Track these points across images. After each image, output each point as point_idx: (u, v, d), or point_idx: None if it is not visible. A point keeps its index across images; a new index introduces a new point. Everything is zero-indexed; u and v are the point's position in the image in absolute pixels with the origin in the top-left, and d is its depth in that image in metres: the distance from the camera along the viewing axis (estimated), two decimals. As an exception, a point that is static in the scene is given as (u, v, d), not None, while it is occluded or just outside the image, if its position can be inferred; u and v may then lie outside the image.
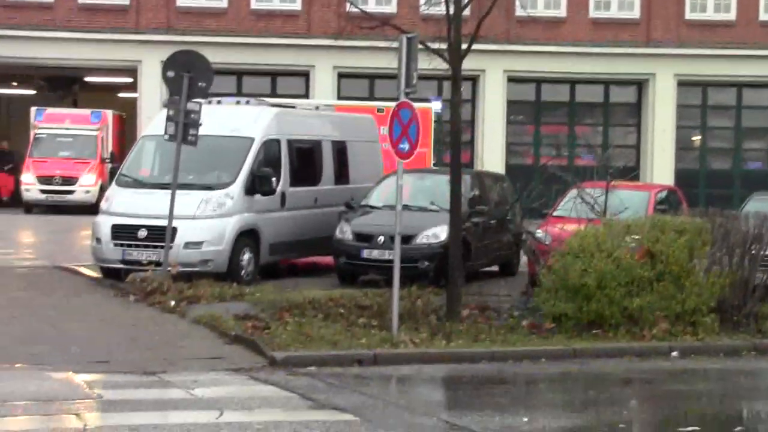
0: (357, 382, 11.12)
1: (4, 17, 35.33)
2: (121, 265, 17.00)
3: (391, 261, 13.80)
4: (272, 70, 36.10)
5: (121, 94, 38.72)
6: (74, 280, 17.93)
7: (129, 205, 17.32)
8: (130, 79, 36.68)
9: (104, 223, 17.27)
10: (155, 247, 16.61)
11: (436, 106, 27.26)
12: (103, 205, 17.99)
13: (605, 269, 13.41)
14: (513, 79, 35.67)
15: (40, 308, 14.67)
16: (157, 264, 16.30)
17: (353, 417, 9.45)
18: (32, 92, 39.20)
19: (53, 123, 32.87)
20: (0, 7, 35.29)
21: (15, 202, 33.64)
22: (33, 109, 33.84)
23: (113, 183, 18.29)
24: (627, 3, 35.63)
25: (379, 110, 26.27)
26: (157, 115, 19.41)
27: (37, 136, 32.70)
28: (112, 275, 17.21)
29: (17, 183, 33.56)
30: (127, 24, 35.59)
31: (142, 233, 16.83)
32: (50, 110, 33.56)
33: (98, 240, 17.30)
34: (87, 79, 38.97)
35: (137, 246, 16.84)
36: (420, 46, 13.74)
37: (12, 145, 36.35)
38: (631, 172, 26.54)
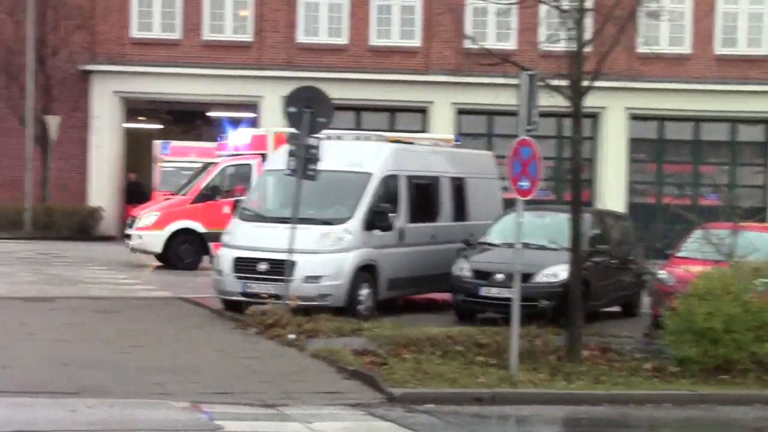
0: (476, 421, 11.03)
1: (133, 54, 36.38)
2: (242, 298, 17.22)
3: (509, 299, 13.69)
4: (391, 106, 36.33)
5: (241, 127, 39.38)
6: (196, 311, 18.24)
7: (250, 238, 17.55)
8: (251, 114, 37.30)
9: (226, 256, 17.53)
10: (275, 280, 16.80)
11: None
12: (225, 238, 18.26)
13: (733, 313, 13.08)
14: (635, 117, 35.26)
15: (163, 338, 14.93)
16: (277, 297, 16.47)
17: (472, 456, 9.35)
18: (158, 126, 40.21)
19: (179, 156, 33.14)
20: (129, 44, 36.36)
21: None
22: (158, 142, 34.46)
23: (235, 216, 18.57)
24: (755, 40, 34.97)
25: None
26: (278, 150, 19.69)
27: (163, 169, 33.11)
28: (233, 307, 17.45)
29: None
30: (250, 60, 36.29)
31: (263, 266, 17.04)
32: (175, 143, 34.00)
33: (220, 272, 17.58)
34: (210, 113, 39.75)
35: (258, 279, 17.05)
36: (540, 83, 13.66)
37: (138, 178, 37.28)
38: (759, 213, 25.94)
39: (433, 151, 20.70)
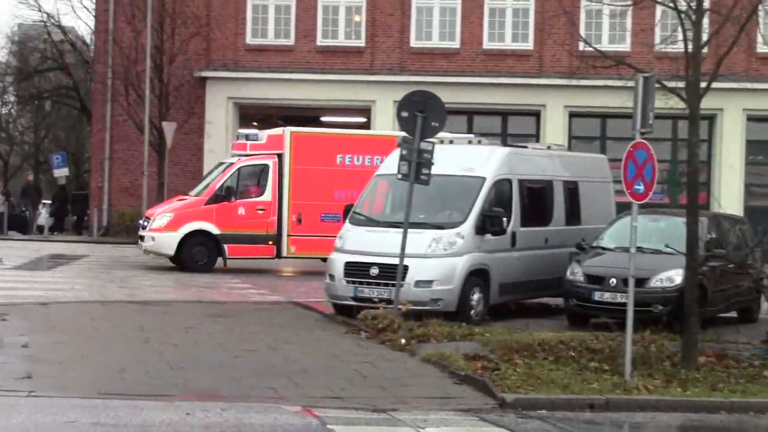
0: (589, 428, 10.87)
1: (248, 60, 36.90)
2: (353, 302, 17.28)
3: (623, 304, 13.48)
4: (503, 109, 36.14)
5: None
6: (307, 315, 18.36)
7: (361, 243, 17.59)
8: (363, 119, 37.46)
9: (338, 261, 17.61)
10: (386, 284, 16.80)
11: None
12: (337, 242, 18.33)
13: None
14: (753, 118, 34.43)
15: (275, 342, 15.04)
16: (388, 302, 16.47)
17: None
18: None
19: None
20: (244, 51, 36.88)
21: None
22: None
23: (347, 221, 18.65)
24: None
25: None
26: (390, 154, 19.70)
27: None
28: (344, 312, 17.53)
29: None
30: (362, 65, 36.47)
31: (374, 271, 17.06)
32: None
33: (332, 277, 17.66)
34: (323, 118, 40.03)
35: (369, 283, 17.08)
36: (656, 85, 13.41)
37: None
38: None
39: (546, 155, 20.49)
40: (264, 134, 26.23)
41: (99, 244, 34.50)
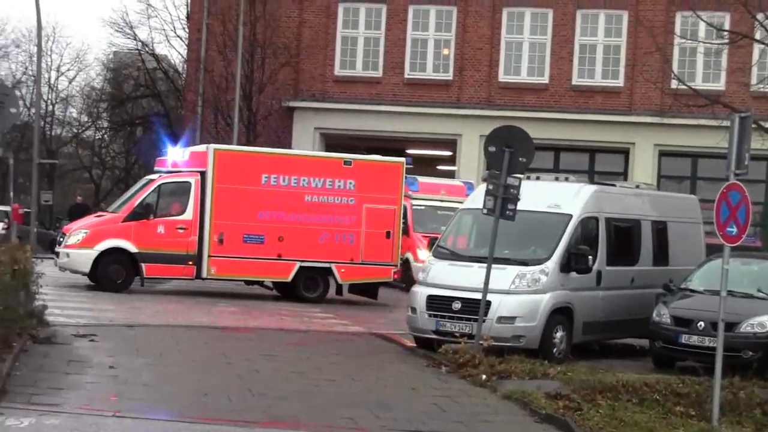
0: (673, 474, 10.60)
1: (336, 91, 37.18)
2: (435, 336, 17.19)
3: (711, 348, 13.21)
4: (591, 146, 35.89)
5: (440, 167, 39.55)
6: (388, 347, 18.32)
7: (445, 276, 17.51)
8: (449, 152, 37.45)
9: (420, 294, 17.55)
10: (469, 319, 16.70)
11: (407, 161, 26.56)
12: (420, 275, 18.27)
13: None
14: None
15: (355, 373, 15.02)
16: (470, 336, 16.36)
17: None
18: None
19: (429, 194, 30.96)
20: (332, 82, 37.17)
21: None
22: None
23: (430, 254, 18.56)
24: None
25: (346, 163, 25.61)
26: (476, 189, 19.67)
27: (414, 208, 30.40)
28: (426, 345, 17.45)
29: None
30: (450, 98, 36.52)
31: (457, 305, 16.97)
32: (424, 180, 31.90)
33: (413, 310, 17.60)
34: (408, 150, 40.07)
35: (451, 318, 16.99)
36: (753, 125, 13.17)
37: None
38: None
39: (635, 194, 20.24)
40: (187, 151, 25.55)
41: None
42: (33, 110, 49.64)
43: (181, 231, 24.23)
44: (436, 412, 12.64)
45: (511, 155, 16.42)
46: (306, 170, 24.98)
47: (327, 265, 25.09)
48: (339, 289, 25.80)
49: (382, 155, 27.31)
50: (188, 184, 24.41)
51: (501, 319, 16.66)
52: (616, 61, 35.63)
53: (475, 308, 16.43)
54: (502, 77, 36.31)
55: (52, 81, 62.51)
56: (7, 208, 39.48)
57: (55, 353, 14.42)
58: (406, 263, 27.40)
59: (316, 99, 37.27)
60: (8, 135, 42.71)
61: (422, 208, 30.27)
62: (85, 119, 65.36)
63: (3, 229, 27.65)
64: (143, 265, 23.89)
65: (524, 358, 15.77)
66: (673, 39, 31.95)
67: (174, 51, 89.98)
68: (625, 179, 31.71)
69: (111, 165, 67.58)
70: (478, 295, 16.37)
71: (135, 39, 57.17)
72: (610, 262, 18.31)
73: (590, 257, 17.59)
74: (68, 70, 63.99)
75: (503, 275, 16.77)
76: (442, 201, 29.36)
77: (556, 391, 13.68)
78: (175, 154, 25.33)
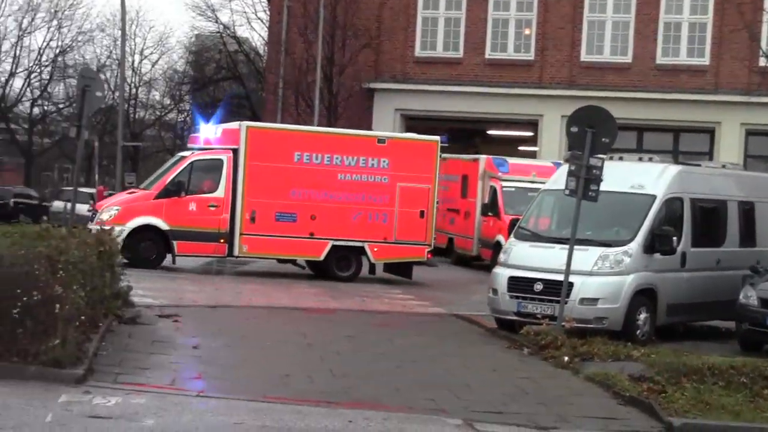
0: (760, 459, 10.41)
1: (416, 72, 37.12)
2: (516, 318, 17.10)
3: (800, 331, 12.90)
4: (675, 126, 35.37)
5: (520, 147, 39.29)
6: (469, 329, 18.28)
7: (526, 258, 17.39)
8: (530, 133, 37.17)
9: (501, 275, 17.46)
10: (550, 301, 16.57)
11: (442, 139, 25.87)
12: (501, 257, 18.18)
13: None
14: None
15: (436, 354, 15.01)
16: (552, 318, 16.24)
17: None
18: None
19: (519, 175, 30.49)
20: (413, 63, 37.12)
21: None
22: (484, 158, 31.92)
23: (511, 236, 18.46)
24: None
25: (380, 141, 25.13)
26: (558, 170, 19.51)
27: (504, 189, 30.17)
28: (507, 327, 17.37)
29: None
30: (531, 79, 36.25)
31: (538, 287, 16.85)
32: (514, 161, 31.67)
33: (494, 291, 17.52)
34: (489, 131, 39.89)
35: (533, 299, 16.88)
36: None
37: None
38: None
39: (721, 174, 19.88)
40: (220, 128, 25.31)
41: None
42: (117, 94, 50.37)
43: (212, 209, 24.08)
44: (518, 393, 12.57)
45: (593, 135, 16.21)
46: (339, 148, 24.79)
47: (360, 244, 24.94)
48: (372, 268, 25.69)
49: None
50: (220, 161, 24.24)
51: (583, 301, 16.51)
52: (701, 39, 35.01)
53: (557, 290, 16.29)
54: (584, 57, 35.92)
55: (135, 64, 63.36)
56: (93, 190, 40.25)
57: (140, 333, 14.63)
58: (497, 246, 27.12)
59: (397, 80, 37.24)
60: (93, 118, 43.34)
61: (512, 189, 29.82)
62: (168, 102, 66.18)
63: (89, 210, 28.05)
64: (175, 242, 23.79)
65: (607, 339, 15.60)
66: (761, 16, 31.27)
67: (255, 33, 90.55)
68: (711, 159, 31.19)
69: (193, 147, 68.34)
70: (560, 277, 16.23)
71: (216, 22, 57.71)
72: (695, 244, 18.02)
73: (674, 238, 17.33)
74: (151, 53, 64.78)
75: (585, 256, 16.61)
76: (532, 182, 28.57)
77: (640, 374, 13.52)
78: (208, 131, 25.19)
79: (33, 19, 59.69)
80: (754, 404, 12.34)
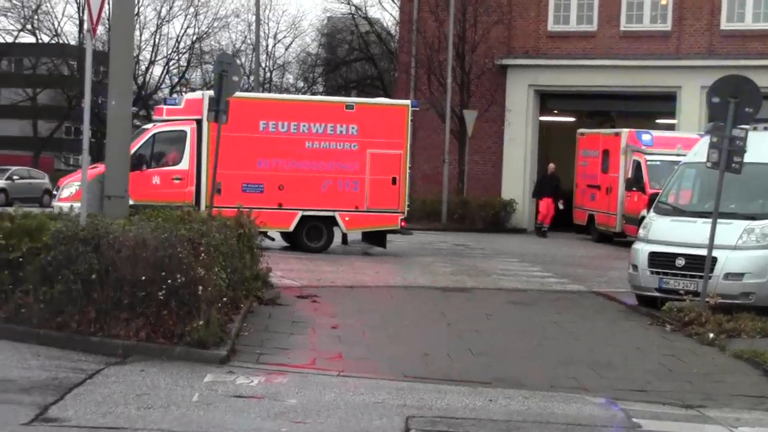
0: None
1: (550, 47, 36.69)
2: (658, 294, 16.77)
3: None
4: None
5: (658, 120, 38.47)
6: (610, 305, 18.01)
7: (667, 233, 17.02)
8: (668, 105, 36.36)
9: (641, 251, 17.13)
10: (693, 276, 16.19)
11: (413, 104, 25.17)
12: (641, 232, 17.84)
13: None
14: None
15: (576, 332, 14.82)
16: (695, 294, 15.87)
17: None
18: (571, 119, 40.13)
19: (664, 148, 29.51)
20: (545, 38, 36.70)
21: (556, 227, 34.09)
22: (626, 132, 31.23)
23: (651, 210, 18.08)
24: None
25: (348, 107, 24.32)
26: (698, 142, 19.04)
27: (649, 163, 29.55)
28: (648, 303, 17.05)
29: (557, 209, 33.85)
30: (668, 50, 35.45)
31: (680, 262, 16.48)
32: (658, 134, 30.91)
33: (635, 267, 17.20)
34: (625, 105, 39.12)
35: (675, 275, 16.52)
36: None
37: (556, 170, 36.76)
38: None
39: None
40: (182, 99, 24.45)
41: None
42: (252, 78, 51.11)
43: (177, 182, 23.59)
44: (662, 371, 12.32)
45: (736, 106, 15.74)
46: (306, 116, 24.24)
47: (330, 213, 24.48)
48: (344, 238, 25.21)
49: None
50: (184, 132, 23.69)
51: (728, 276, 16.07)
52: None
53: (700, 265, 15.90)
54: (725, 25, 34.92)
55: (269, 49, 64.21)
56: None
57: (279, 314, 14.81)
58: (642, 221, 26.44)
59: (530, 56, 36.87)
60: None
61: (657, 163, 28.97)
62: (301, 85, 66.92)
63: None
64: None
65: (755, 315, 15.17)
66: None
67: (386, 14, 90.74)
68: None
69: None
70: (702, 251, 15.83)
71: (348, 3, 58.08)
72: None
73: (828, 211, 16.69)
74: (284, 37, 65.89)
75: (730, 230, 16.16)
76: (677, 155, 27.08)
77: (790, 351, 13.11)
78: (171, 103, 24.64)
79: (171, 8, 61.06)
80: None
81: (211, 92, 24.56)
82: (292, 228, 24.48)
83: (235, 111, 22.18)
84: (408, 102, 25.69)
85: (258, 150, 23.98)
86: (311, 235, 24.69)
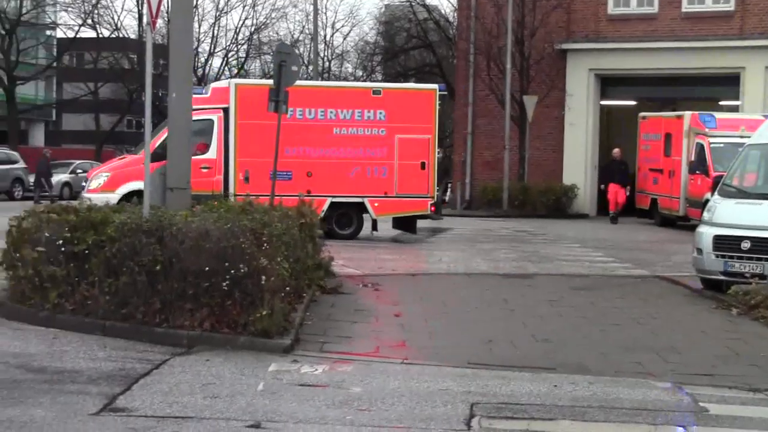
0: None
1: (610, 30, 36.38)
2: (723, 277, 16.58)
3: None
4: None
5: (721, 102, 37.96)
6: (674, 290, 17.84)
7: (732, 215, 16.81)
8: (730, 89, 35.87)
9: (706, 234, 16.94)
10: (759, 259, 15.99)
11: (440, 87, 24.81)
12: (705, 215, 17.65)
13: None
14: None
15: (640, 317, 14.70)
16: (761, 277, 15.66)
17: None
18: (632, 103, 39.70)
19: (728, 130, 29.07)
20: (605, 21, 36.40)
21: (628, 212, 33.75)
22: (689, 114, 30.83)
23: (715, 193, 17.89)
24: None
25: (375, 92, 23.99)
26: (763, 124, 18.78)
27: (713, 146, 29.19)
28: (713, 287, 16.87)
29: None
30: (731, 31, 34.97)
31: (746, 245, 16.27)
32: (722, 116, 30.49)
33: (699, 251, 17.02)
34: (688, 87, 38.63)
35: (740, 258, 16.31)
36: None
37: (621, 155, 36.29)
38: None
39: None
40: (209, 87, 24.39)
41: (462, 217, 35.24)
42: (311, 68, 51.27)
43: (205, 170, 23.32)
44: (728, 355, 12.19)
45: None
46: (333, 102, 24.18)
47: (359, 199, 24.39)
48: (374, 224, 25.10)
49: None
50: (211, 121, 23.70)
51: (796, 258, 15.86)
52: None
53: (766, 247, 15.71)
54: (789, 3, 34.38)
55: (327, 38, 64.37)
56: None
57: (342, 302, 14.87)
58: (707, 204, 26.10)
59: (590, 40, 36.58)
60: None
61: (721, 145, 28.57)
62: (360, 73, 67.01)
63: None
64: None
65: (823, 299, 14.94)
66: None
67: (444, 1, 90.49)
68: None
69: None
70: (768, 234, 15.63)
71: (406, -9, 57.91)
72: None
73: None
74: (342, 26, 66.03)
75: (796, 212, 15.93)
76: (741, 137, 26.43)
77: None
78: (198, 92, 23.90)
79: (229, 0, 61.33)
80: None
81: (237, 80, 24.69)
82: (321, 215, 23.91)
83: (262, 99, 21.62)
84: (435, 86, 25.70)
85: (286, 137, 23.36)
86: (341, 223, 24.75)
